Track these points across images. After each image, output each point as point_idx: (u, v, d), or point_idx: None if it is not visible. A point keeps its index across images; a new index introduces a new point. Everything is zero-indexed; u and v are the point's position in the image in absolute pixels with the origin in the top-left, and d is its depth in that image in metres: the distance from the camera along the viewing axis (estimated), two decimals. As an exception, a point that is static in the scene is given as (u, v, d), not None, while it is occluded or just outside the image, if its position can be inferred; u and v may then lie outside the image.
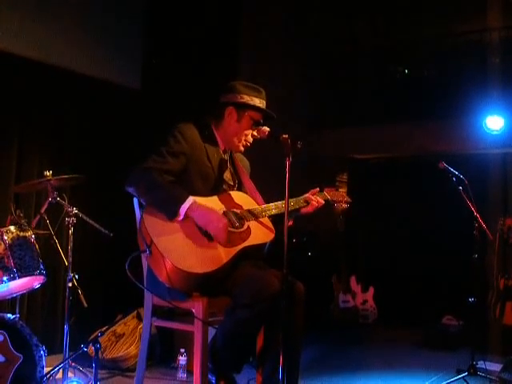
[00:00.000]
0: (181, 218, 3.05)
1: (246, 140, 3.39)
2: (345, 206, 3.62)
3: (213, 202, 3.19)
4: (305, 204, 3.43)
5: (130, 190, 3.15)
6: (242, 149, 3.43)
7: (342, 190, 3.68)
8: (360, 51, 7.87)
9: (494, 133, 6.47)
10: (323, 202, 3.47)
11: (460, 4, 7.20)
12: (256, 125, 3.34)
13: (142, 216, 3.09)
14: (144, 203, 3.15)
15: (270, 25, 6.89)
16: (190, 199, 3.06)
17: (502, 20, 6.93)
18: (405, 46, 7.66)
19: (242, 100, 3.33)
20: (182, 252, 2.98)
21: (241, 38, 6.51)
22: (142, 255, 3.20)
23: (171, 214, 3.05)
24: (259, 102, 3.35)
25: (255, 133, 3.35)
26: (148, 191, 3.11)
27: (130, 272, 2.96)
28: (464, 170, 4.51)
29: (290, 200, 3.26)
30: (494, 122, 6.45)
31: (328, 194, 3.55)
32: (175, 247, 2.99)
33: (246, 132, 3.37)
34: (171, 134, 3.26)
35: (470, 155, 7.03)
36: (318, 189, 3.52)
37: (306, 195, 3.46)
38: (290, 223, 3.42)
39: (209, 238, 3.07)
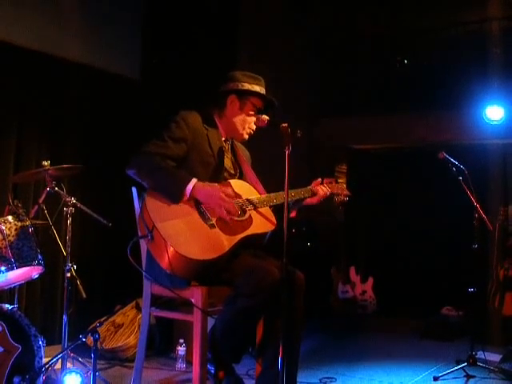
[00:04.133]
0: (186, 199, 3.05)
1: (249, 127, 3.42)
2: (344, 199, 3.62)
3: None
4: (309, 194, 3.43)
5: (131, 173, 3.15)
6: (247, 137, 3.45)
7: (341, 182, 3.68)
8: (360, 40, 7.83)
9: (494, 123, 6.45)
10: (329, 191, 3.48)
11: (460, -7, 7.17)
12: (258, 112, 3.36)
13: (143, 200, 3.08)
14: (146, 186, 3.13)
15: (269, 13, 6.85)
16: (194, 180, 3.09)
17: (502, 10, 6.89)
18: (405, 36, 7.62)
19: (244, 87, 3.36)
20: (184, 238, 2.98)
21: (240, 26, 6.48)
22: (143, 241, 3.20)
23: (176, 196, 3.06)
24: (260, 89, 3.39)
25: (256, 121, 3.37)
26: (151, 174, 3.12)
27: (131, 257, 2.96)
28: (464, 161, 4.50)
29: (291, 191, 3.27)
30: (494, 112, 6.43)
31: (328, 186, 3.54)
32: (178, 233, 2.98)
33: (249, 119, 3.40)
34: (173, 120, 3.27)
35: (470, 145, 7.01)
36: (319, 180, 3.52)
37: (310, 186, 3.46)
38: (293, 214, 3.44)
39: (210, 224, 3.07)
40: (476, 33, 7.15)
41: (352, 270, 7.01)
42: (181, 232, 3.00)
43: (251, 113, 3.37)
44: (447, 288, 6.60)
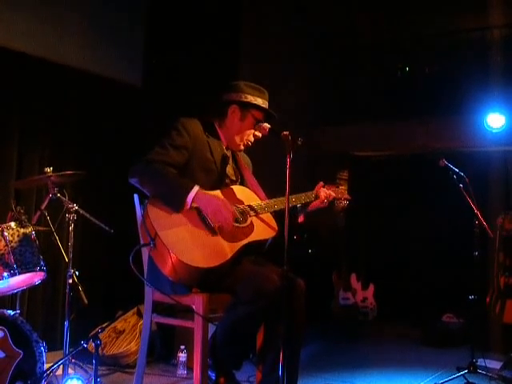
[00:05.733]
0: (188, 207, 3.06)
1: (247, 139, 3.43)
2: (344, 203, 3.63)
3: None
4: (313, 199, 3.44)
5: (133, 181, 3.17)
6: (243, 148, 3.47)
7: (342, 188, 3.69)
8: (361, 48, 7.86)
9: (495, 130, 6.46)
10: (334, 194, 3.49)
11: (462, 1, 7.19)
12: (259, 121, 3.36)
13: (145, 208, 3.09)
14: (148, 194, 3.15)
15: (270, 22, 6.88)
16: (196, 188, 3.09)
17: (503, 18, 6.91)
18: (406, 44, 7.65)
19: (246, 99, 3.37)
20: (187, 246, 2.99)
21: (241, 36, 6.50)
22: (145, 248, 3.21)
23: (178, 204, 3.06)
24: (262, 102, 3.40)
25: (257, 132, 3.38)
26: (153, 183, 3.13)
27: (133, 265, 2.97)
28: (465, 168, 4.50)
29: (292, 196, 3.28)
30: (495, 120, 6.44)
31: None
32: (180, 241, 3.00)
33: (248, 131, 3.41)
34: (174, 127, 3.28)
35: (471, 153, 7.01)
36: (322, 183, 3.53)
37: (313, 190, 3.48)
38: (301, 219, 3.46)
39: (213, 232, 3.08)
40: (477, 40, 7.18)
41: (353, 277, 7.00)
42: (183, 240, 3.01)
43: (251, 125, 3.38)
44: (448, 295, 6.61)
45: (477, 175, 4.79)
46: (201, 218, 3.11)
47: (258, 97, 3.38)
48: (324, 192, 3.47)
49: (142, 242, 3.18)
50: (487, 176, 6.64)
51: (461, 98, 6.70)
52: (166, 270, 3.01)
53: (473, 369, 4.44)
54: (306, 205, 3.45)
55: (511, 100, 6.50)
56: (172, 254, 2.95)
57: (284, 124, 3.27)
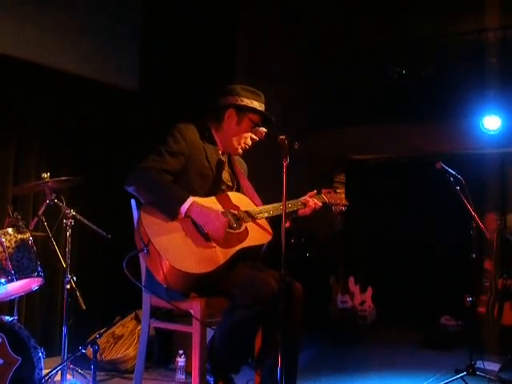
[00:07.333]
0: (182, 217, 3.07)
1: (244, 143, 3.42)
2: (342, 208, 3.62)
3: (211, 203, 3.21)
4: (302, 206, 3.43)
5: (130, 189, 3.17)
6: (241, 151, 3.45)
7: (340, 192, 3.68)
8: (358, 51, 7.87)
9: (492, 133, 6.47)
10: (321, 204, 3.48)
11: (457, 4, 7.21)
12: (256, 125, 3.36)
13: (139, 215, 3.09)
14: (144, 202, 3.15)
15: (268, 25, 6.90)
16: (190, 199, 3.09)
17: (499, 20, 6.93)
18: (403, 47, 7.67)
19: (243, 103, 3.36)
20: (179, 252, 2.99)
21: (239, 38, 6.52)
22: (140, 255, 3.21)
23: (172, 214, 3.07)
24: (259, 106, 3.39)
25: (254, 136, 3.37)
26: (148, 191, 3.13)
27: (127, 271, 2.97)
28: (461, 170, 4.51)
29: (288, 202, 3.28)
30: (491, 122, 6.45)
31: (326, 196, 3.55)
32: (173, 247, 3.00)
33: (246, 135, 3.40)
34: (170, 133, 3.28)
35: (468, 155, 7.03)
36: (315, 191, 3.53)
37: (304, 197, 3.47)
38: (288, 225, 3.42)
39: (206, 238, 3.08)
40: (473, 43, 7.19)
41: (351, 280, 7.01)
42: (176, 246, 3.01)
43: (248, 128, 3.37)
44: (446, 297, 6.61)
45: (473, 177, 4.79)
46: (194, 224, 3.10)
47: (255, 100, 3.37)
48: (313, 201, 3.44)
49: (137, 248, 3.18)
50: (484, 178, 6.66)
51: (457, 100, 6.70)
52: (160, 276, 3.01)
53: (471, 371, 4.43)
54: (292, 211, 3.42)
55: (507, 102, 6.51)
56: (164, 261, 2.95)
57: (281, 127, 3.28)
